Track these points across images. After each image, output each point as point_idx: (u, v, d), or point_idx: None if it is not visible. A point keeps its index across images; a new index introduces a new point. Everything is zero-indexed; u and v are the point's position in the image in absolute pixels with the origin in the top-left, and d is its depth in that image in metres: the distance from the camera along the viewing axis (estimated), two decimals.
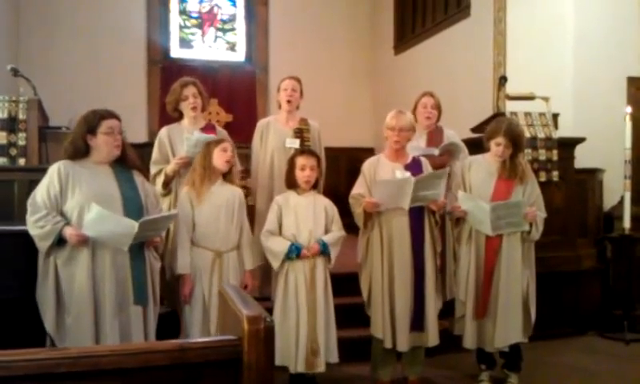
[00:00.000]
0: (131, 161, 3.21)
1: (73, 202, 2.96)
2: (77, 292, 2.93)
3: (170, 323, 3.61)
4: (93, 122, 3.04)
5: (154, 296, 3.19)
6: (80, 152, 3.06)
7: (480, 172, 3.74)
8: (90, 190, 2.97)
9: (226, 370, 1.56)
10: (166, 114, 4.39)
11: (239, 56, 9.07)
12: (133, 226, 2.92)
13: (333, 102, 8.31)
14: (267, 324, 1.56)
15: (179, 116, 4.12)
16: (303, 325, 3.45)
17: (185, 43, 8.89)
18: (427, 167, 3.73)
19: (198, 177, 3.49)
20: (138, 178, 3.22)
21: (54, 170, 3.00)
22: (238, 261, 3.57)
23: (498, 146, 3.64)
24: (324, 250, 3.53)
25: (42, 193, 2.97)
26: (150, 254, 3.18)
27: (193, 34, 8.96)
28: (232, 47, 9.10)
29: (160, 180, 3.93)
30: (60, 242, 2.92)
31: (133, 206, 3.06)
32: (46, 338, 2.97)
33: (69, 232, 2.90)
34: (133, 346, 1.63)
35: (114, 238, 2.96)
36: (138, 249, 3.07)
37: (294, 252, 3.48)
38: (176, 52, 8.77)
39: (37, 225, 2.91)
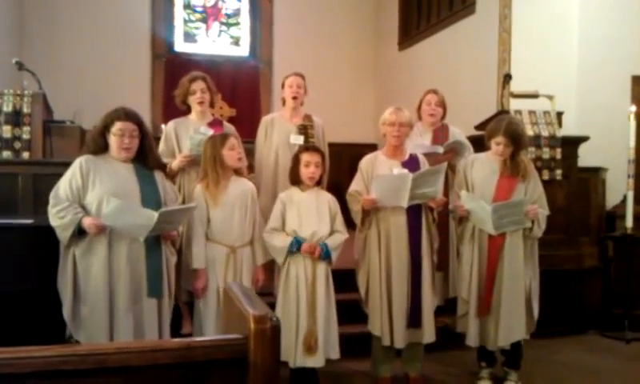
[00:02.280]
0: (152, 162, 3.27)
1: (93, 194, 3.05)
2: (92, 283, 3.02)
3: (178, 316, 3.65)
4: (108, 120, 3.13)
5: (169, 290, 3.25)
6: (99, 147, 3.16)
7: (482, 170, 3.74)
8: (109, 183, 3.06)
9: (232, 369, 1.56)
10: (169, 108, 4.40)
11: (243, 51, 9.05)
12: (152, 216, 2.98)
13: (336, 98, 8.29)
14: (273, 323, 1.56)
15: (187, 109, 4.14)
16: (303, 319, 3.46)
17: (189, 37, 8.87)
18: (425, 165, 3.73)
19: (212, 181, 3.49)
20: (158, 175, 3.29)
21: (76, 165, 3.10)
22: (250, 256, 3.59)
23: (497, 145, 3.65)
24: (326, 255, 3.52)
25: (64, 186, 3.07)
26: (167, 248, 3.24)
27: (197, 28, 8.94)
28: (236, 42, 9.08)
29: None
30: (80, 233, 3.01)
31: (151, 200, 3.12)
32: (66, 328, 3.07)
33: (87, 222, 2.99)
34: (139, 344, 1.64)
35: (131, 228, 3.02)
36: (154, 242, 3.13)
37: (295, 245, 3.48)
38: (180, 46, 8.75)
39: (58, 216, 3.01)
